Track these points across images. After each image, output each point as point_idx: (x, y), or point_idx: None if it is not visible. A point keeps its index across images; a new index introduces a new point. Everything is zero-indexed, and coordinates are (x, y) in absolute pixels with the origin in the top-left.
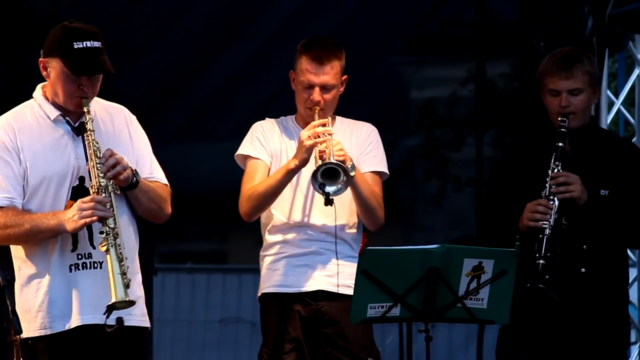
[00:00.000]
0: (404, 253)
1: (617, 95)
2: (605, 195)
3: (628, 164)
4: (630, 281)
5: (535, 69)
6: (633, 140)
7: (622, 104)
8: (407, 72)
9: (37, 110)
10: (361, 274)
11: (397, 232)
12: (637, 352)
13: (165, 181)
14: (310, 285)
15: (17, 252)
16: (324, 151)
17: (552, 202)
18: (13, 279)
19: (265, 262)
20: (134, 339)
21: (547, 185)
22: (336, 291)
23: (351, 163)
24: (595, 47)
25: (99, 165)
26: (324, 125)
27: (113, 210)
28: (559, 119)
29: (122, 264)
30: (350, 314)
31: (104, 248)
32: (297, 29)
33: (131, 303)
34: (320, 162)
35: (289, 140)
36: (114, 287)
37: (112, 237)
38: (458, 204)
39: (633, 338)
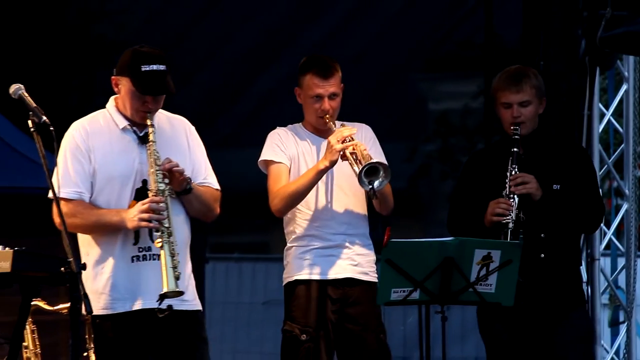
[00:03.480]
0: (423, 245)
1: (607, 108)
2: (558, 189)
3: (575, 161)
4: (619, 268)
5: None
6: (621, 147)
7: (612, 115)
8: (426, 88)
9: (108, 118)
10: (386, 262)
11: (417, 226)
12: (625, 331)
13: (217, 186)
14: (339, 273)
15: (84, 240)
16: (356, 152)
17: (512, 200)
18: (85, 267)
19: (294, 252)
20: (188, 321)
21: (506, 185)
22: (359, 278)
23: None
24: (587, 66)
25: (158, 172)
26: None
27: (168, 212)
28: (512, 127)
29: (174, 258)
30: (377, 297)
31: (159, 245)
32: (329, 51)
33: (180, 293)
34: (353, 162)
35: (303, 145)
36: (165, 279)
37: (166, 235)
38: None
39: (621, 318)
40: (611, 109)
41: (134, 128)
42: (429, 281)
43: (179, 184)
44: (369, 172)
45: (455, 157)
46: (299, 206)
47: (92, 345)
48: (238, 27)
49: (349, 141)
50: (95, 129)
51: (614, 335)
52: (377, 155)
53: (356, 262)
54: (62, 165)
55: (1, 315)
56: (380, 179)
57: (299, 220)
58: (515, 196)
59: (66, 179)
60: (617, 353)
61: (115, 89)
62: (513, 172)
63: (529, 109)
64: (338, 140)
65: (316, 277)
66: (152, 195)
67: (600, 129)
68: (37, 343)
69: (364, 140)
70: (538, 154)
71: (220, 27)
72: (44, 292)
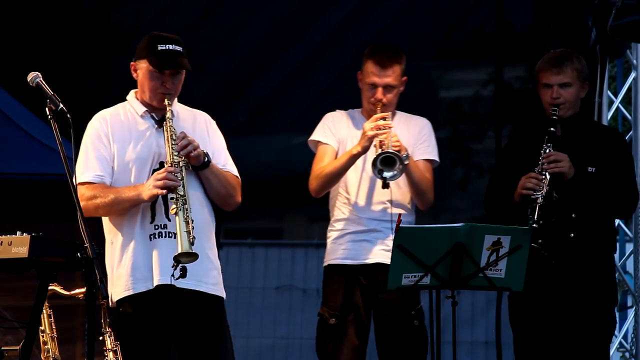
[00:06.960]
0: (433, 230)
1: (616, 95)
2: (593, 172)
3: (612, 147)
4: (627, 254)
5: None
6: (630, 134)
7: (621, 102)
8: (437, 75)
9: (128, 108)
10: (397, 248)
11: (428, 212)
12: (632, 315)
13: (237, 174)
14: (370, 258)
15: (108, 226)
16: (383, 141)
17: (543, 176)
18: (101, 253)
19: (331, 236)
20: (206, 304)
21: (539, 162)
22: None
23: (406, 152)
24: (598, 54)
25: (173, 145)
26: (384, 118)
27: (182, 180)
28: (551, 108)
29: (188, 224)
30: (388, 282)
31: (174, 211)
32: (342, 38)
33: (194, 256)
34: (379, 150)
35: (355, 130)
36: (180, 242)
37: (180, 202)
38: (480, 188)
39: (629, 303)
40: (620, 97)
41: (152, 113)
42: (439, 266)
43: (195, 156)
44: (385, 161)
45: (465, 143)
46: (340, 190)
47: (107, 330)
48: (253, 15)
49: (383, 129)
50: (115, 117)
51: (622, 319)
52: (428, 150)
53: (389, 248)
54: (83, 152)
55: (19, 299)
56: (394, 172)
57: (339, 204)
58: (547, 173)
59: (87, 165)
60: (625, 337)
61: (134, 75)
62: (547, 151)
63: (569, 91)
64: (372, 128)
65: (347, 261)
66: (168, 167)
67: (609, 116)
68: (54, 327)
69: (419, 133)
70: (576, 137)
71: (235, 15)
72: (61, 277)
